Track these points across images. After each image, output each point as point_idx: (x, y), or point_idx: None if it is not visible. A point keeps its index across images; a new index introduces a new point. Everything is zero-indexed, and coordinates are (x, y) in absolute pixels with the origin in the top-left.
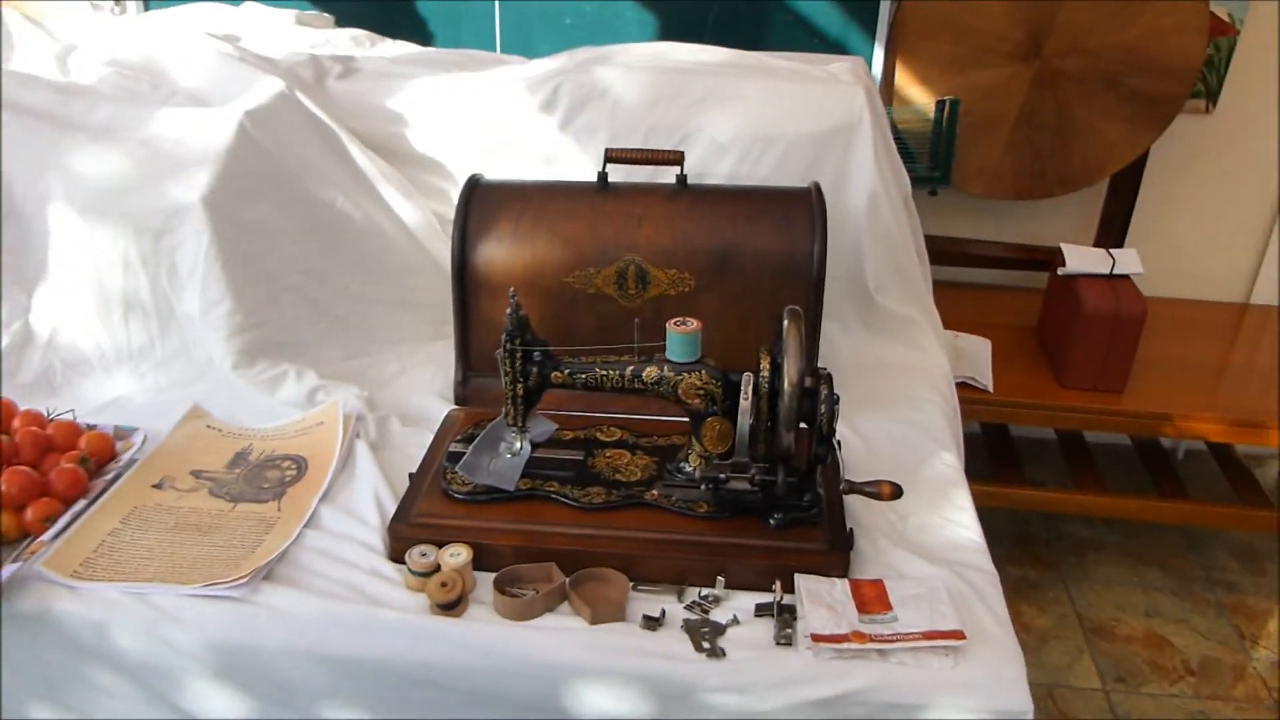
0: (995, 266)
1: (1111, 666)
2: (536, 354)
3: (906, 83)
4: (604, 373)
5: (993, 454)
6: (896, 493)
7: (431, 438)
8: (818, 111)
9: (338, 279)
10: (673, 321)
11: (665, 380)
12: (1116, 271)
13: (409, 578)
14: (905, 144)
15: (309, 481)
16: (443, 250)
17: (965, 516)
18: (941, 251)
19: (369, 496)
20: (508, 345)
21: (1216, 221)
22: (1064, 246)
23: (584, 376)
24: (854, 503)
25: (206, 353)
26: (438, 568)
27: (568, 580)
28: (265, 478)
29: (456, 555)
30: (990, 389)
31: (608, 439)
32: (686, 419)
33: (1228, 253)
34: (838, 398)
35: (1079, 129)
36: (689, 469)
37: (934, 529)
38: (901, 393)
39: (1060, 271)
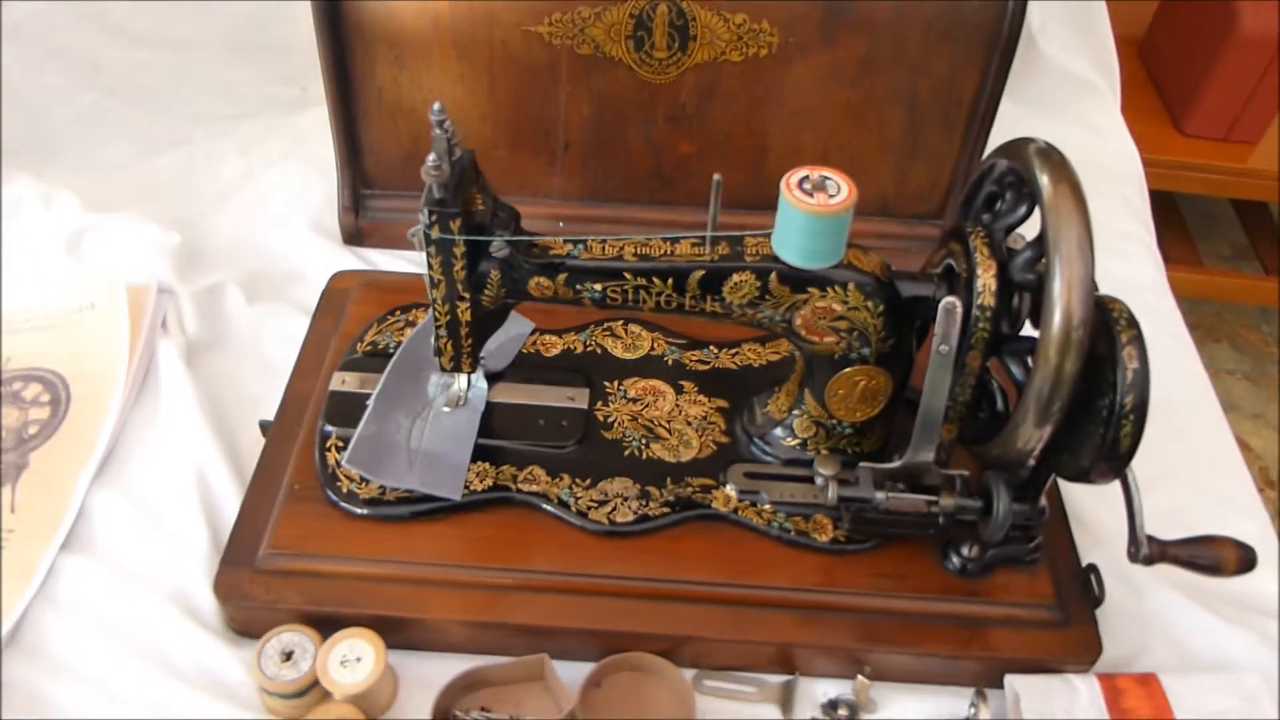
0: None
1: None
2: (499, 243)
3: None
4: (641, 283)
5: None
6: (1247, 562)
7: (305, 326)
8: None
9: (106, 6)
10: (794, 179)
11: (772, 300)
12: None
13: (267, 699)
14: None
15: (73, 433)
16: None
17: (1246, 494)
18: None
19: (187, 474)
20: (432, 230)
21: None
22: None
23: (600, 289)
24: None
25: None
26: (315, 684)
27: (578, 693)
28: None
29: (357, 662)
30: None
31: (630, 353)
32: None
33: None
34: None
35: None
36: (791, 442)
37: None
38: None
39: None
